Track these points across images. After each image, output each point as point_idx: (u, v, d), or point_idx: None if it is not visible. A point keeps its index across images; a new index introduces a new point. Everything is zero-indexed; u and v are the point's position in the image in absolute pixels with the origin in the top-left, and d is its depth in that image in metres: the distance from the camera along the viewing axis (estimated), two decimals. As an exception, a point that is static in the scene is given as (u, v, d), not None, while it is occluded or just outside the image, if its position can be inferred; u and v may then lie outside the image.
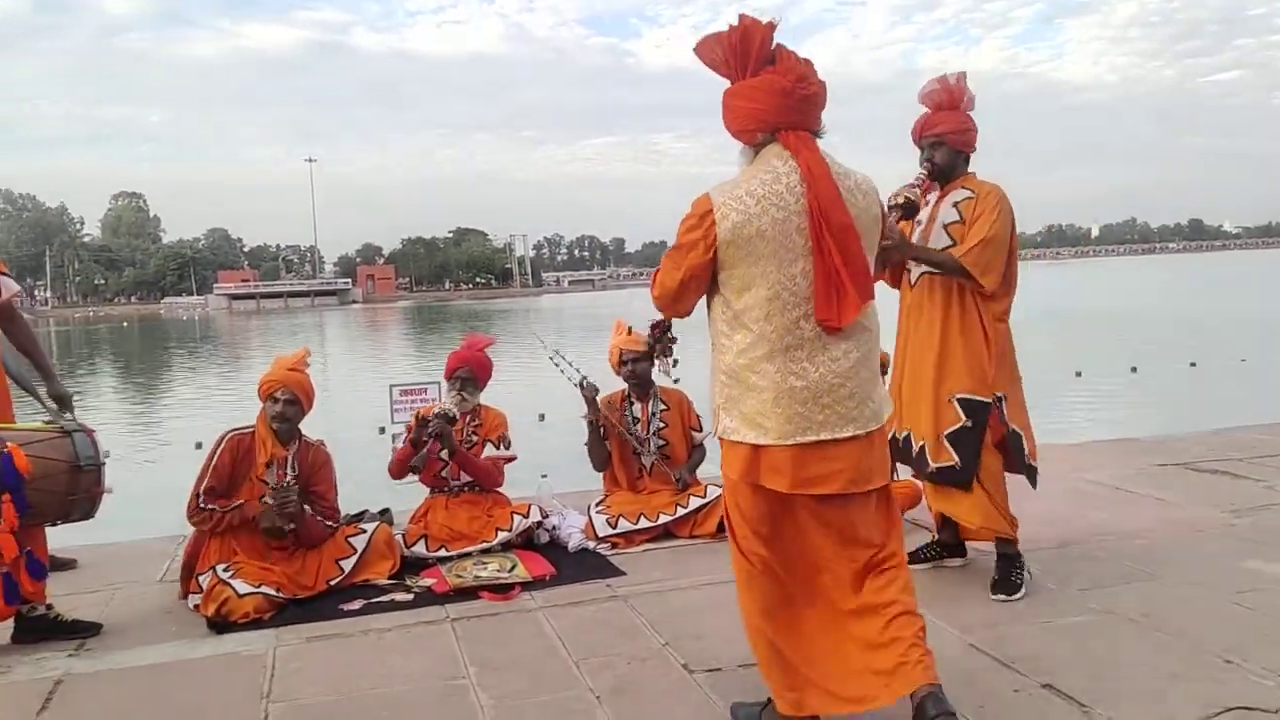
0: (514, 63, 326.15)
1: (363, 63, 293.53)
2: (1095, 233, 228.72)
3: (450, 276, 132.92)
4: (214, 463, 4.13)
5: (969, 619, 3.55)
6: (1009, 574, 3.81)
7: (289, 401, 4.16)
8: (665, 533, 4.76)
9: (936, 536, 4.20)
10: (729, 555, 4.32)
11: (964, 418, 3.72)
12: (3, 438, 3.45)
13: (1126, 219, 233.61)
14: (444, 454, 4.76)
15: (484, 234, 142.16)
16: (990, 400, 3.74)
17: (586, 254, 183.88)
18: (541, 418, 11.93)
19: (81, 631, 3.79)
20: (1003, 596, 3.74)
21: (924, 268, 3.82)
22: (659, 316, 2.99)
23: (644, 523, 4.73)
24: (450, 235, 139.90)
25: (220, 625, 3.78)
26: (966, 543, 4.17)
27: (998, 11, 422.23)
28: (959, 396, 3.73)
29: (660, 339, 3.21)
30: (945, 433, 3.75)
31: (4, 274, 3.75)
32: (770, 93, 2.53)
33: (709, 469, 5.22)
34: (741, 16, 2.55)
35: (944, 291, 3.78)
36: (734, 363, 2.57)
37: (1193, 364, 16.14)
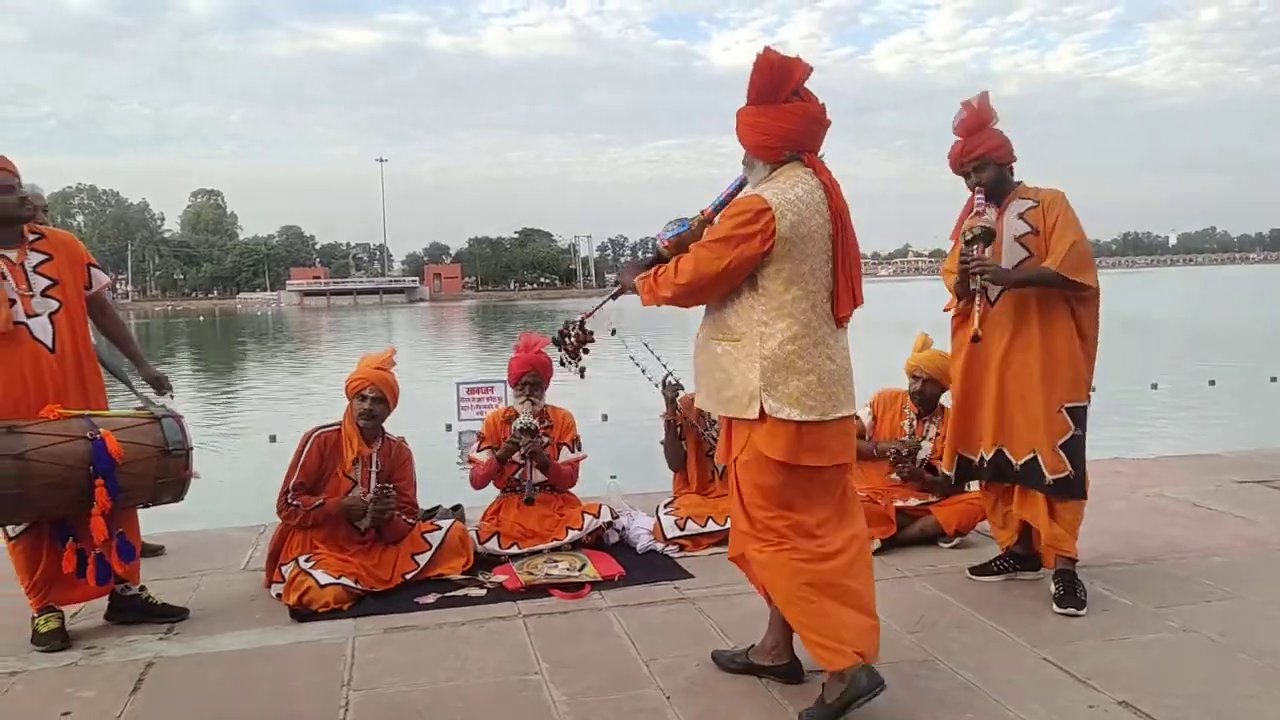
0: (582, 65, 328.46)
1: (436, 64, 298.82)
2: (1173, 241, 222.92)
3: (515, 276, 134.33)
4: (302, 460, 4.26)
5: (1043, 633, 3.53)
6: (1074, 588, 3.78)
7: (376, 399, 4.28)
8: (733, 537, 4.78)
9: (1009, 548, 4.15)
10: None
11: (1073, 426, 3.73)
12: (96, 423, 3.60)
13: (1206, 227, 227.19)
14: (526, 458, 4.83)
15: (549, 235, 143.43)
16: (1087, 404, 3.77)
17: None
18: (605, 418, 12.02)
19: (170, 615, 3.95)
20: (1072, 610, 3.70)
21: None
22: (578, 316, 3.27)
23: (712, 525, 4.75)
24: (516, 235, 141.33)
25: (302, 614, 3.91)
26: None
27: (1075, 15, 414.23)
28: (1067, 405, 3.74)
29: (576, 336, 3.24)
30: (1059, 443, 3.74)
31: (95, 266, 3.92)
32: (805, 119, 2.91)
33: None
34: (768, 49, 2.89)
35: (1036, 304, 3.76)
36: (779, 349, 2.85)
37: (1274, 378, 15.65)
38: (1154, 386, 14.62)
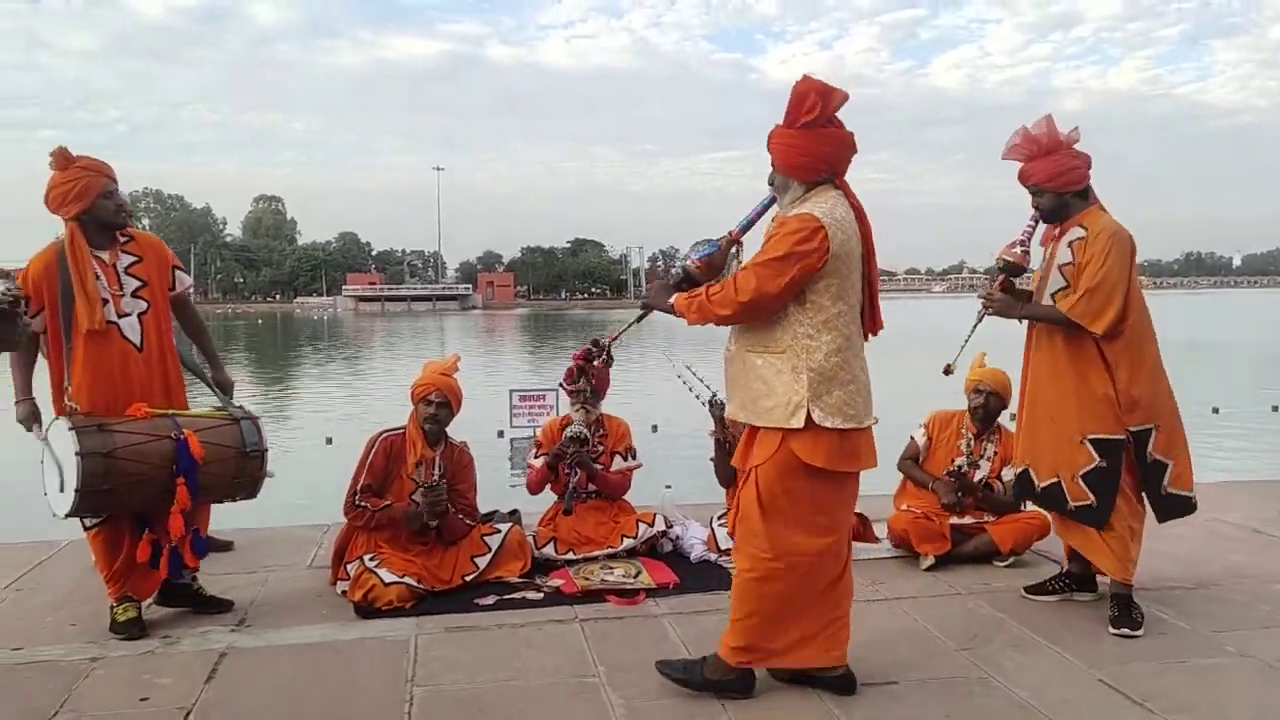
0: (638, 77, 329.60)
1: (494, 75, 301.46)
2: (1237, 262, 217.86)
3: (566, 286, 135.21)
4: (369, 462, 4.38)
5: (1099, 655, 3.53)
6: (1129, 610, 3.77)
7: (441, 404, 4.40)
8: (786, 549, 4.81)
9: (1065, 569, 4.15)
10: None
11: (1097, 458, 3.71)
12: (180, 424, 3.76)
13: (1272, 249, 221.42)
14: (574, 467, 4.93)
15: (601, 245, 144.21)
16: (1123, 437, 3.71)
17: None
18: (655, 429, 12.09)
19: (216, 607, 4.08)
20: (1126, 631, 3.70)
21: None
22: (598, 339, 3.50)
23: (765, 538, 4.79)
24: (568, 245, 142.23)
25: (366, 611, 4.03)
26: (1097, 577, 4.10)
27: (1139, 31, 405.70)
28: (1090, 437, 3.72)
29: (597, 358, 3.45)
30: (1080, 473, 3.73)
31: (178, 268, 4.09)
32: (842, 144, 3.08)
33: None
34: (807, 76, 3.02)
35: (1063, 333, 3.78)
36: (825, 361, 3.00)
37: (1341, 405, 15.27)
38: (1215, 411, 14.35)
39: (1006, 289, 3.90)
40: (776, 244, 2.97)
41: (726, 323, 3.09)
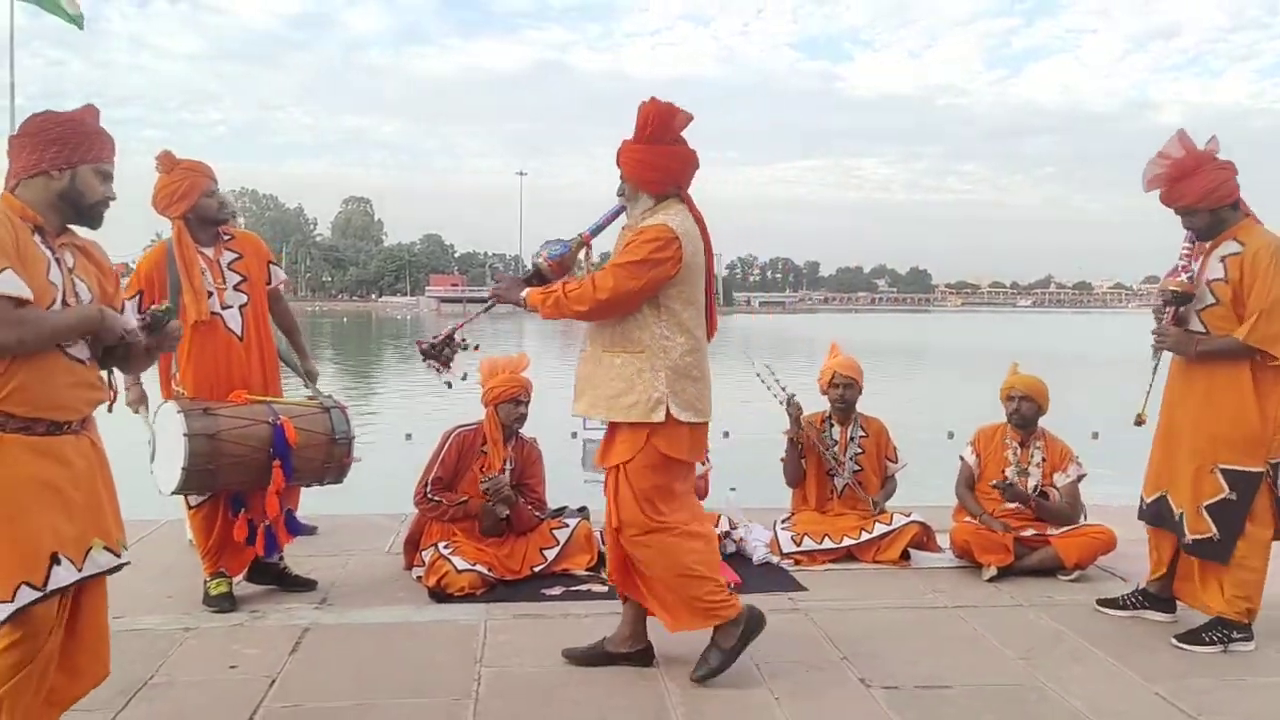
0: (722, 84, 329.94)
1: (579, 82, 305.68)
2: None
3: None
4: (442, 456, 4.57)
5: (1157, 669, 3.53)
6: (1209, 630, 3.71)
7: (528, 403, 4.57)
8: (848, 555, 4.88)
9: (1141, 585, 4.10)
10: (913, 582, 4.46)
11: (1226, 489, 3.59)
12: (276, 410, 4.00)
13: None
14: None
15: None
16: (1262, 470, 3.57)
17: (779, 276, 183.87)
18: (726, 435, 12.13)
19: (300, 585, 4.32)
20: (1185, 645, 3.68)
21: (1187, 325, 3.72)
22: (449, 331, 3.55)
23: (828, 543, 4.86)
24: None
25: (439, 595, 4.22)
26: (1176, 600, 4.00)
27: (1244, 43, 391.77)
28: (1223, 467, 3.60)
29: (447, 347, 3.50)
30: (1205, 504, 3.63)
31: (274, 264, 4.34)
32: (686, 160, 3.34)
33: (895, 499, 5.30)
34: (654, 99, 3.24)
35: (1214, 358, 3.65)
36: (680, 360, 3.26)
37: None
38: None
39: (1178, 321, 3.74)
40: (636, 249, 3.19)
41: (581, 318, 3.30)
